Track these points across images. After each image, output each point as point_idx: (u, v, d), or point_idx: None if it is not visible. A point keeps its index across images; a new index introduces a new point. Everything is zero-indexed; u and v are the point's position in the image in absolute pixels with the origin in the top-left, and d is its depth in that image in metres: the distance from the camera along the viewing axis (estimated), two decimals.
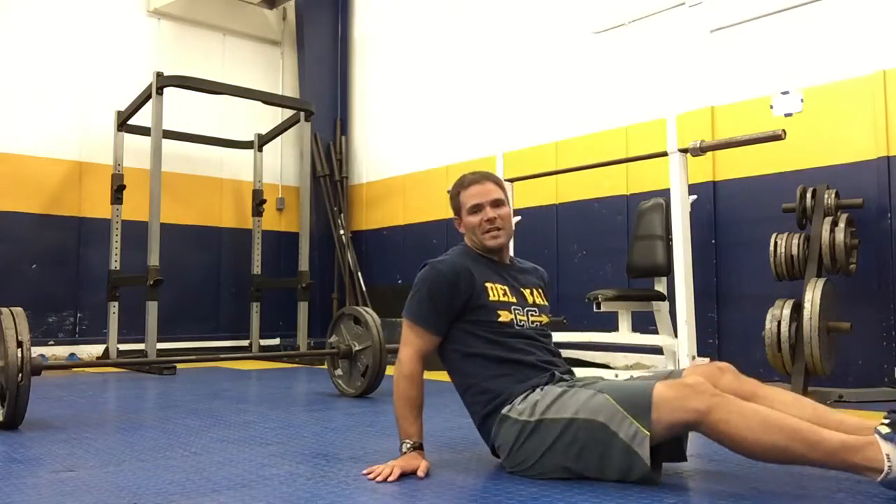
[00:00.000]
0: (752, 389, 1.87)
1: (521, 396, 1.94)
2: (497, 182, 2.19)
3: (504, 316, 2.07)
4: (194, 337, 6.22)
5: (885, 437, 1.57)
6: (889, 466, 1.55)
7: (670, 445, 1.83)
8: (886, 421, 1.62)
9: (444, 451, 2.22)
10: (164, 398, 3.80)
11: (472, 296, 2.06)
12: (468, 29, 6.05)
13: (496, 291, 2.10)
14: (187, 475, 1.96)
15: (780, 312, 3.34)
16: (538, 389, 1.94)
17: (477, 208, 2.14)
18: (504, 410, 1.95)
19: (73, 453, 2.27)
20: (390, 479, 1.85)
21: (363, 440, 2.49)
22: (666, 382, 1.75)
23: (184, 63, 6.09)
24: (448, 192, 2.31)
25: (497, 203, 2.15)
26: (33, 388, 2.72)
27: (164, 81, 5.18)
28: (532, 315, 2.14)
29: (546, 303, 2.23)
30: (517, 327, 2.08)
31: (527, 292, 2.18)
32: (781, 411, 1.73)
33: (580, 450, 1.81)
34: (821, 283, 3.30)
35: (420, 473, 1.89)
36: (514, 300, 2.12)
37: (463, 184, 2.20)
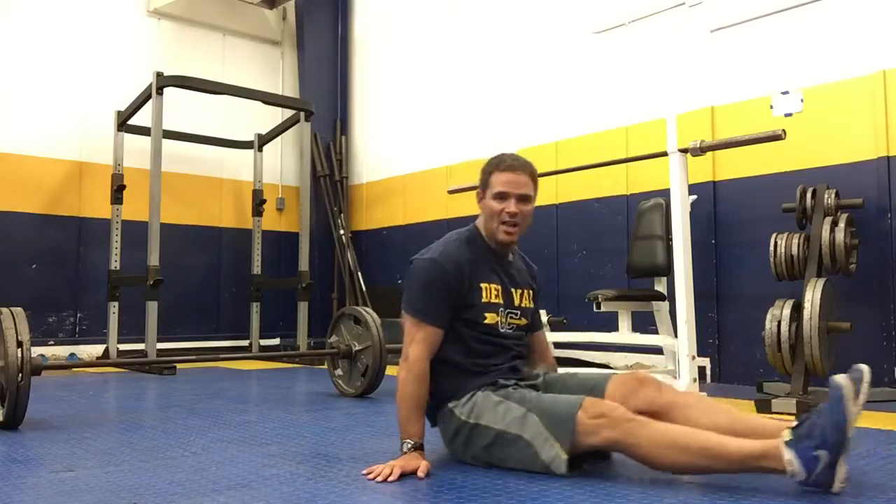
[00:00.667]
0: (670, 400, 1.99)
1: (467, 396, 2.05)
2: (533, 176, 2.13)
3: (490, 318, 2.10)
4: (194, 337, 6.22)
5: (787, 444, 1.68)
6: (791, 471, 1.67)
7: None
8: (793, 425, 1.74)
9: (444, 451, 2.22)
10: (164, 398, 3.80)
11: (469, 294, 2.07)
12: (468, 29, 6.05)
13: (489, 292, 2.11)
14: (187, 475, 1.96)
15: (780, 312, 3.34)
16: (479, 392, 2.04)
17: (503, 196, 2.09)
18: (450, 405, 2.07)
19: (73, 453, 2.27)
20: (390, 479, 1.86)
21: (363, 440, 2.49)
22: (586, 407, 1.84)
23: (184, 63, 6.08)
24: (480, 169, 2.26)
25: (524, 198, 2.11)
26: (33, 388, 2.72)
27: (164, 81, 5.18)
28: (512, 318, 2.17)
29: (531, 305, 2.26)
30: (500, 330, 2.13)
31: (516, 294, 2.19)
32: (698, 420, 1.88)
33: (507, 458, 1.97)
34: (821, 283, 3.30)
35: (420, 474, 1.90)
36: (501, 302, 2.13)
37: (500, 165, 2.12)
